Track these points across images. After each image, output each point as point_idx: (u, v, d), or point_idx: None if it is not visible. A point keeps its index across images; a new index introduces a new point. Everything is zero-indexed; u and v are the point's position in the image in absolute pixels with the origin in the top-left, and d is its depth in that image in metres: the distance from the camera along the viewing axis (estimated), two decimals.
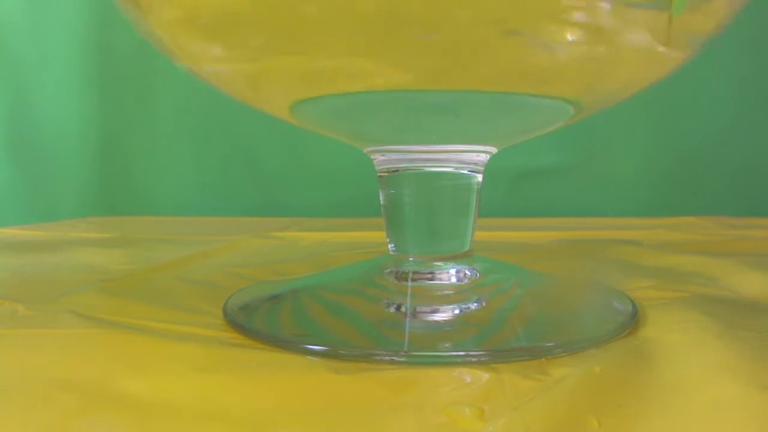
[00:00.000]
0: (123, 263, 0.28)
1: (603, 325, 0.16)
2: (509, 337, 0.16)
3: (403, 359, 0.14)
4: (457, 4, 0.12)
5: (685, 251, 0.29)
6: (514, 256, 0.29)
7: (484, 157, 0.18)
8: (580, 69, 0.14)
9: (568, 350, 0.14)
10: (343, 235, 0.37)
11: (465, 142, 0.18)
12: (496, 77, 0.14)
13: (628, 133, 0.50)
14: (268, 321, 0.18)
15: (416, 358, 0.14)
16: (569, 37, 0.13)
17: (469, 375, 0.13)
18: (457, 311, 0.17)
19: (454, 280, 0.18)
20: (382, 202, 0.19)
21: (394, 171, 0.18)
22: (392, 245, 0.19)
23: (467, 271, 0.18)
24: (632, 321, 0.16)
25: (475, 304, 0.17)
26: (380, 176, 0.19)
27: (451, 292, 0.18)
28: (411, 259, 0.19)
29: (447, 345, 0.15)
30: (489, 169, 0.19)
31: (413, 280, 0.18)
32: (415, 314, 0.17)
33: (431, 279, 0.18)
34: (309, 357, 0.14)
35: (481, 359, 0.14)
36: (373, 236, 0.34)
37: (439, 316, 0.17)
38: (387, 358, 0.14)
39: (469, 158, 0.18)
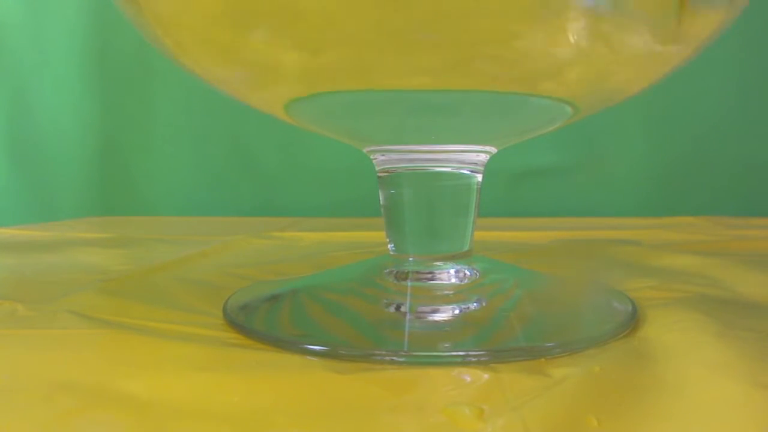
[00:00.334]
0: (122, 263, 0.28)
1: (603, 325, 0.16)
2: (509, 337, 0.16)
3: (402, 359, 0.14)
4: (457, 5, 0.12)
5: (685, 251, 0.29)
6: (514, 256, 0.29)
7: (483, 157, 0.18)
8: (580, 69, 0.14)
9: (567, 350, 0.14)
10: (342, 235, 0.37)
11: (465, 142, 0.18)
12: (496, 77, 0.14)
13: (628, 134, 0.50)
14: (267, 321, 0.18)
15: (416, 358, 0.14)
16: (570, 37, 0.13)
17: (468, 375, 0.13)
18: (456, 311, 0.17)
19: (453, 280, 0.18)
20: (381, 202, 0.19)
21: (393, 171, 0.18)
22: (392, 245, 0.19)
23: (467, 271, 0.18)
24: (632, 321, 0.16)
25: (475, 304, 0.17)
26: (380, 176, 0.19)
27: (451, 292, 0.18)
28: (411, 259, 0.19)
29: (447, 345, 0.15)
30: (488, 168, 0.19)
31: (413, 280, 0.18)
32: (414, 314, 0.17)
33: (431, 279, 0.18)
34: (308, 357, 0.14)
35: (481, 359, 0.14)
36: (373, 236, 0.34)
37: (438, 316, 0.17)
38: (387, 358, 0.14)
39: (468, 158, 0.18)
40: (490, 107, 0.16)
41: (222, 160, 0.55)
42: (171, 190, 0.56)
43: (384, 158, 0.18)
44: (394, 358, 0.14)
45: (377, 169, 0.19)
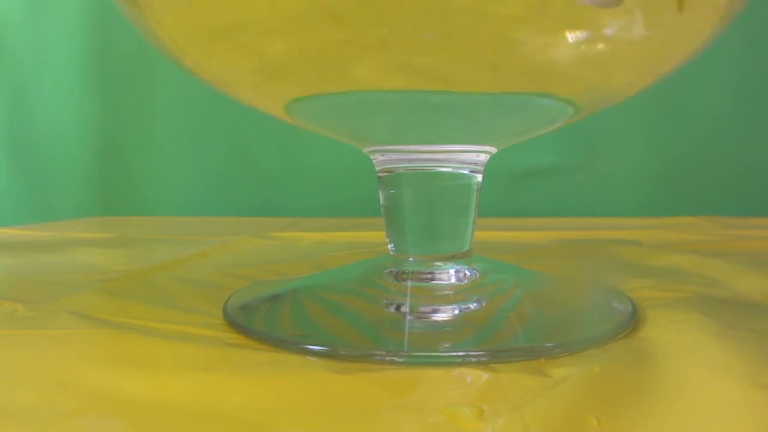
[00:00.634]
0: (122, 263, 0.28)
1: (603, 325, 0.16)
2: (509, 337, 0.16)
3: (402, 359, 0.14)
4: (457, 5, 0.12)
5: (685, 251, 0.29)
6: (514, 256, 0.29)
7: (483, 157, 0.18)
8: (580, 69, 0.14)
9: (567, 350, 0.14)
10: (342, 235, 0.37)
11: (465, 142, 0.18)
12: (496, 77, 0.14)
13: (628, 134, 0.50)
14: (267, 321, 0.18)
15: (416, 359, 0.14)
16: (570, 37, 0.13)
17: (468, 375, 0.13)
18: (456, 311, 0.17)
19: (453, 280, 0.18)
20: (381, 202, 0.19)
21: (393, 171, 0.18)
22: (392, 245, 0.19)
23: (467, 271, 0.18)
24: (632, 321, 0.16)
25: (475, 304, 0.17)
26: (380, 176, 0.19)
27: (451, 292, 0.18)
28: (411, 259, 0.19)
29: (447, 345, 0.15)
30: (488, 169, 0.19)
31: (413, 280, 0.18)
32: (414, 314, 0.17)
33: (431, 279, 0.18)
34: (309, 357, 0.14)
35: (481, 359, 0.14)
36: (373, 236, 0.34)
37: (438, 316, 0.17)
38: (387, 358, 0.14)
39: (468, 158, 0.18)
40: (490, 107, 0.16)
41: (222, 160, 0.55)
42: (171, 190, 0.56)
43: (384, 158, 0.18)
44: (394, 358, 0.14)
45: (377, 169, 0.19)
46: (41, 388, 0.13)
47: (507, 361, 0.14)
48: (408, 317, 0.17)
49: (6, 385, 0.13)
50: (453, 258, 0.19)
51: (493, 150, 0.18)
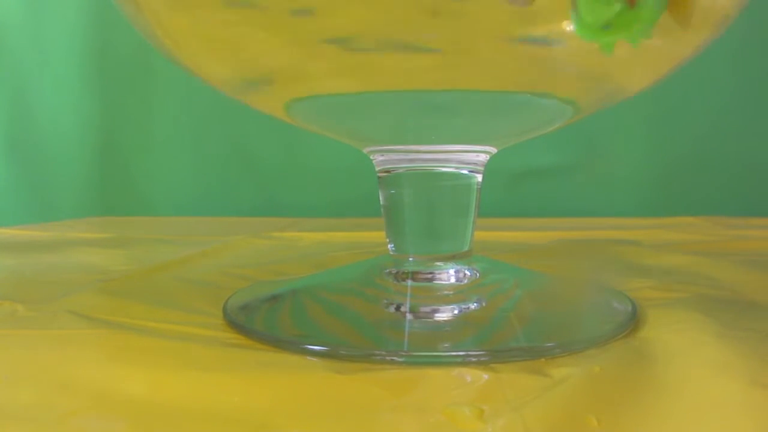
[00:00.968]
0: (122, 263, 0.28)
1: (602, 325, 0.16)
2: (509, 337, 0.16)
3: (402, 359, 0.14)
4: (457, 6, 0.12)
5: (685, 251, 0.29)
6: (514, 256, 0.29)
7: (483, 158, 0.18)
8: (580, 69, 0.14)
9: (567, 350, 0.14)
10: (342, 235, 0.37)
11: (465, 142, 0.18)
12: (496, 77, 0.14)
13: (628, 134, 0.50)
14: (267, 321, 0.18)
15: (416, 358, 0.14)
16: (569, 37, 0.13)
17: (468, 375, 0.13)
18: (456, 311, 0.17)
19: (453, 280, 0.18)
20: (381, 202, 0.19)
21: (393, 171, 0.18)
22: (392, 245, 0.19)
23: (467, 272, 0.18)
24: (632, 321, 0.16)
25: (475, 304, 0.17)
26: (380, 176, 0.19)
27: (451, 292, 0.18)
28: (411, 259, 0.19)
29: (447, 345, 0.15)
30: (488, 169, 0.19)
31: (413, 280, 0.18)
32: (414, 314, 0.17)
33: (431, 279, 0.18)
34: (309, 357, 0.14)
35: (481, 359, 0.14)
36: (373, 236, 0.34)
37: (438, 316, 0.17)
38: (387, 358, 0.14)
39: (468, 158, 0.18)
40: (490, 107, 0.16)
41: (222, 160, 0.55)
42: (170, 190, 0.56)
43: (384, 158, 0.18)
44: (394, 358, 0.14)
45: (377, 169, 0.19)
46: (41, 388, 0.13)
47: (507, 361, 0.14)
48: (408, 317, 0.17)
49: (6, 385, 0.13)
50: (453, 258, 0.19)
51: (493, 150, 0.18)
